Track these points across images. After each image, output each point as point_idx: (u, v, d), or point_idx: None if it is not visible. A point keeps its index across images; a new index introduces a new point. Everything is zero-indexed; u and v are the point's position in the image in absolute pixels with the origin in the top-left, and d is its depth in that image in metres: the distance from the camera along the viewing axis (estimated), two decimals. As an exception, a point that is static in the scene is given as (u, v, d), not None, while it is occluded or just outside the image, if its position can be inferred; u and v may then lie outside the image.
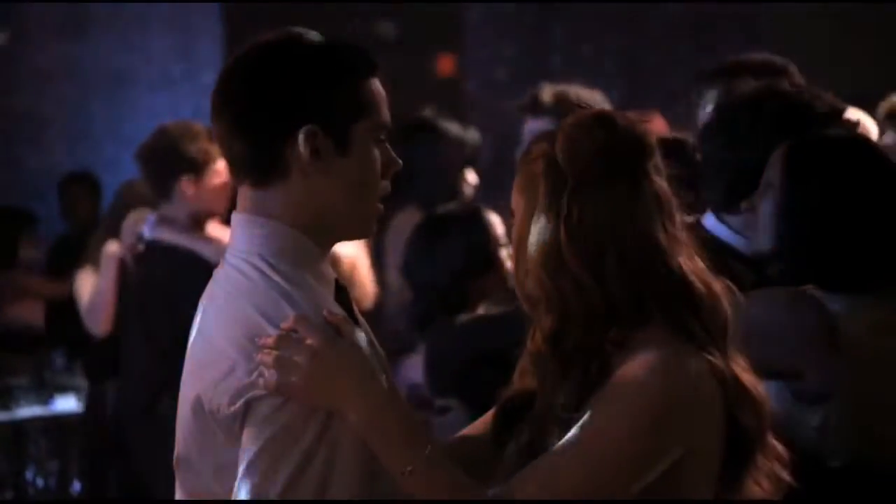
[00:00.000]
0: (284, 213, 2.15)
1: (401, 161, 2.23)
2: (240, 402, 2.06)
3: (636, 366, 2.08)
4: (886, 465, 2.60)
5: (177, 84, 9.32)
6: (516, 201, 2.24)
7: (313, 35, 2.20)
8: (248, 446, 2.06)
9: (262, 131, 2.14)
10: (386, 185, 2.22)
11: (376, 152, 2.18)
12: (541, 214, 2.17)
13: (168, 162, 4.86)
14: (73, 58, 9.17)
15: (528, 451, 2.15)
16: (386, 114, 2.20)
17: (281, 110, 2.13)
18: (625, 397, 2.07)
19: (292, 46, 2.17)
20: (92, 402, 5.60)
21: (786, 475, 2.19)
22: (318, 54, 2.16)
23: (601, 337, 2.13)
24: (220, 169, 4.77)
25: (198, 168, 4.81)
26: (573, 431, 2.08)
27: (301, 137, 2.12)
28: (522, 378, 2.28)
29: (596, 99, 4.61)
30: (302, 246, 2.16)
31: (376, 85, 2.19)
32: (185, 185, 4.83)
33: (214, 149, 4.73)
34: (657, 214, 2.16)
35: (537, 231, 2.17)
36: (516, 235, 2.23)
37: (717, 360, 2.13)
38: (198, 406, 2.11)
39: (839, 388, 2.56)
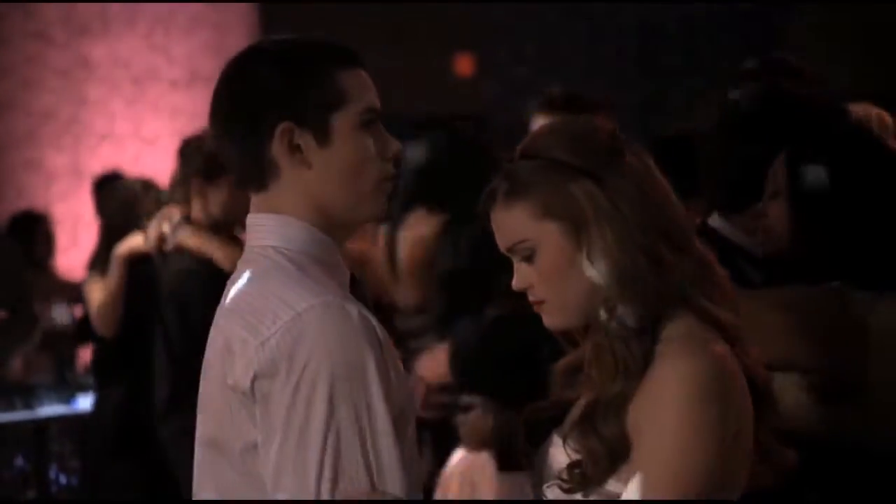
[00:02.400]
0: (290, 210, 2.20)
1: (399, 143, 2.24)
2: (249, 379, 2.09)
3: (677, 365, 2.09)
4: None
5: (203, 83, 9.35)
6: (541, 229, 2.19)
7: (285, 37, 2.24)
8: (262, 425, 2.09)
9: (243, 136, 2.19)
10: (387, 166, 2.23)
11: (365, 137, 2.20)
12: (600, 219, 2.14)
13: (182, 164, 4.91)
14: (95, 57, 9.21)
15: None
16: (371, 98, 2.21)
17: (255, 112, 2.18)
18: (680, 401, 2.08)
19: (261, 50, 2.23)
20: (98, 405, 5.61)
21: (789, 453, 2.20)
22: (285, 53, 2.20)
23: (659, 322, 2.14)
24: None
25: (208, 174, 4.83)
26: (647, 453, 2.08)
27: (276, 136, 2.17)
28: (558, 383, 2.28)
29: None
30: (311, 236, 2.19)
31: (356, 73, 2.21)
32: (195, 189, 4.86)
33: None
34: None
35: (607, 235, 2.14)
36: (561, 261, 2.18)
37: (732, 339, 2.16)
38: (223, 384, 2.14)
39: (871, 384, 2.57)
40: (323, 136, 2.18)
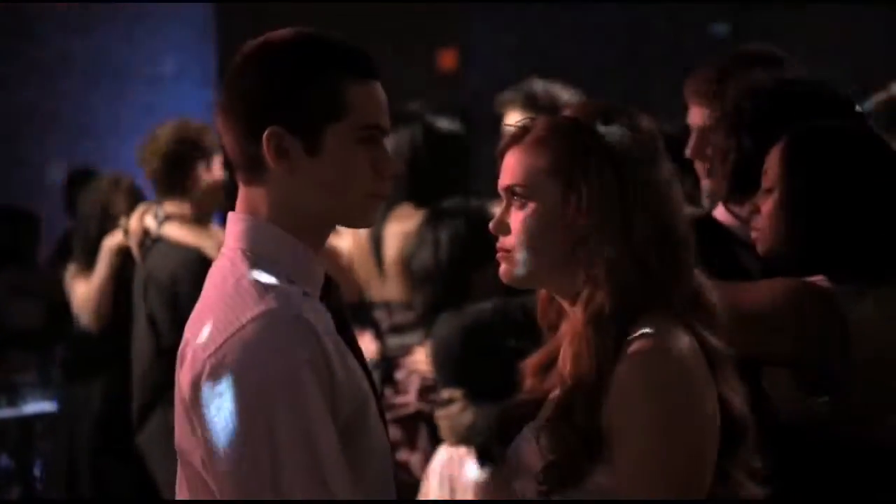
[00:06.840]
0: (267, 211, 2.17)
1: (398, 162, 2.22)
2: (192, 388, 2.08)
3: (645, 360, 2.11)
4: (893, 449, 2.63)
5: (172, 79, 9.35)
6: (544, 184, 2.21)
7: (302, 33, 2.19)
8: (203, 436, 2.07)
9: (238, 131, 2.17)
10: (381, 184, 2.19)
11: (359, 153, 2.16)
12: (603, 208, 2.16)
13: (156, 160, 4.89)
14: (74, 53, 9.19)
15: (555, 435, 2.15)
16: (375, 115, 2.17)
17: (250, 111, 2.15)
18: (650, 396, 2.10)
19: (273, 45, 2.18)
20: (69, 402, 5.55)
21: (757, 490, 2.20)
22: (295, 54, 2.16)
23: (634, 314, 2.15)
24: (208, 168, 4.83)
25: (184, 168, 4.84)
26: (625, 451, 2.09)
27: (264, 138, 2.13)
28: (529, 380, 2.29)
29: (571, 97, 4.66)
30: (281, 243, 2.17)
31: (365, 86, 2.17)
32: (199, 175, 4.86)
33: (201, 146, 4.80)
34: (680, 200, 2.22)
35: (598, 205, 2.16)
36: (546, 221, 2.20)
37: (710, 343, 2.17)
38: (182, 395, 2.13)
39: (848, 378, 2.58)
40: (313, 145, 2.14)
